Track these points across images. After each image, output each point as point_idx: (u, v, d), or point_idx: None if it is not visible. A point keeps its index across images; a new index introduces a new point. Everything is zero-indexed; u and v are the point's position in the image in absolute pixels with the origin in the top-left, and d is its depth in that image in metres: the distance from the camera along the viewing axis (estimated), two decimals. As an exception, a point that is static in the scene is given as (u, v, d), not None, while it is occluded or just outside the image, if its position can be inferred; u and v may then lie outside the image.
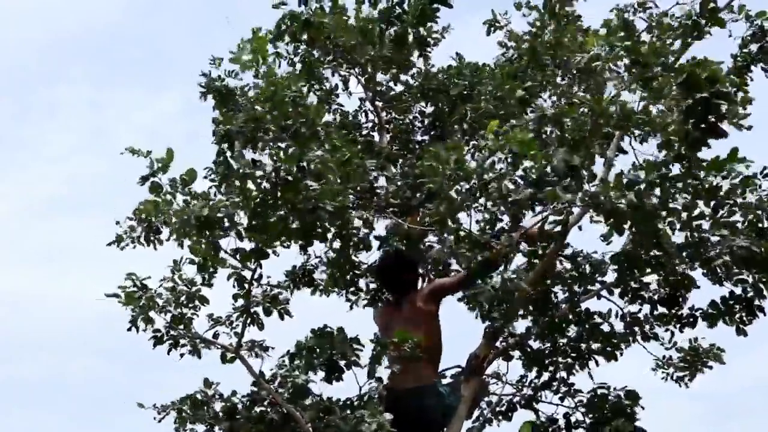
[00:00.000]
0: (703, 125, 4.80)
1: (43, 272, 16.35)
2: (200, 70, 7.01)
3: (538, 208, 5.39)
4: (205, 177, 5.70)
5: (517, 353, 6.27)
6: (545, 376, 6.31)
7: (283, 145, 5.73)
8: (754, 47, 5.88)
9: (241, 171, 5.35)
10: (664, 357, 6.53)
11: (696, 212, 5.08)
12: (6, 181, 17.12)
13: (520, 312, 5.99)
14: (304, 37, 7.00)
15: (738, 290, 5.79)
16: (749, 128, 5.03)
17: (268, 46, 6.03)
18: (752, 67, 5.91)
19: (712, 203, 5.04)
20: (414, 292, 6.14)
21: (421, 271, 6.55)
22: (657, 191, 4.88)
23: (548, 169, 5.09)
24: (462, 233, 5.49)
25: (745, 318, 5.86)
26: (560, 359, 6.23)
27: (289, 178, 5.20)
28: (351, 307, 6.87)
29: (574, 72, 5.86)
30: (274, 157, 5.39)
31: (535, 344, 6.26)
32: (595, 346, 6.22)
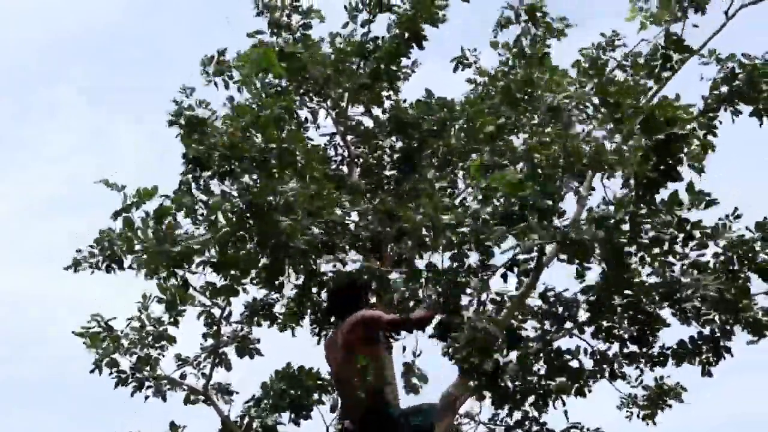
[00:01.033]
0: (661, 167, 4.83)
1: (43, 272, 16.20)
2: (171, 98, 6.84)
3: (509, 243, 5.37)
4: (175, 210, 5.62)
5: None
6: (518, 414, 6.25)
7: (254, 177, 5.69)
8: (724, 89, 5.94)
9: (210, 202, 5.27)
10: (629, 395, 6.53)
11: (666, 247, 5.13)
12: (6, 181, 16.96)
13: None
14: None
15: (706, 331, 5.82)
16: (701, 173, 5.11)
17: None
18: (722, 111, 5.98)
19: (682, 236, 5.09)
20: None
21: (374, 300, 6.46)
22: (626, 227, 4.91)
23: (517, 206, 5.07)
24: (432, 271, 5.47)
25: (711, 359, 5.89)
26: (530, 397, 6.18)
27: (263, 208, 5.12)
28: (318, 342, 6.76)
29: (545, 110, 5.88)
30: (245, 190, 5.33)
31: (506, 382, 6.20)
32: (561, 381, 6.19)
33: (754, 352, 5.81)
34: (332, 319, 6.29)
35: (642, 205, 5.00)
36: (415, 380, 5.27)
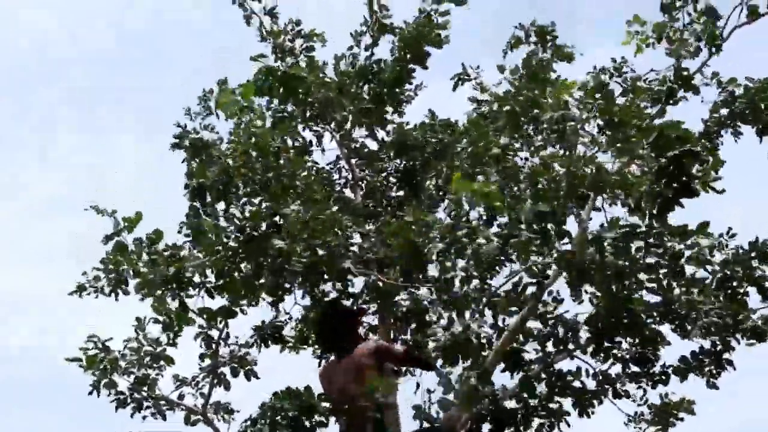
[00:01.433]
0: (674, 185, 4.81)
1: (44, 272, 16.32)
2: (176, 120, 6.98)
3: (510, 268, 5.39)
4: (179, 232, 5.71)
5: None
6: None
7: (256, 201, 5.76)
8: (724, 112, 5.98)
9: (214, 224, 5.32)
10: (635, 413, 6.51)
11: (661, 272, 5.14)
12: (6, 181, 17.14)
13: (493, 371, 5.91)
14: (280, 90, 7.02)
15: (707, 344, 5.83)
16: (722, 191, 5.08)
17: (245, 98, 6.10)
18: (722, 132, 6.02)
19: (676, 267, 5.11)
20: (356, 343, 5.91)
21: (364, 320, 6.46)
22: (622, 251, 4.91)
23: (521, 225, 5.08)
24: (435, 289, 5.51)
25: (714, 371, 5.89)
26: (532, 419, 6.15)
27: (255, 234, 5.17)
28: (319, 364, 6.78)
29: (548, 131, 5.90)
30: (245, 213, 5.38)
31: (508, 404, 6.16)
32: (566, 403, 6.16)
33: (757, 357, 5.87)
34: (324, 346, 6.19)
35: (651, 227, 5.01)
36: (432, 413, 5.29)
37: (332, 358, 6.08)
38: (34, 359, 16.03)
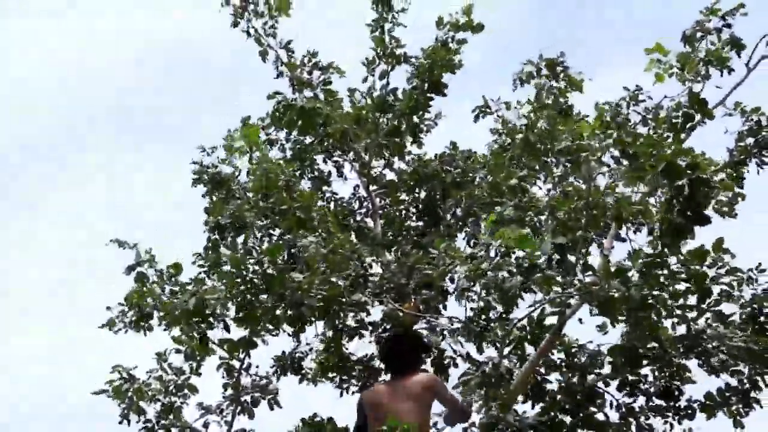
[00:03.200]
0: (686, 212, 4.79)
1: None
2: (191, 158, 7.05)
3: (532, 297, 5.38)
4: (194, 263, 5.75)
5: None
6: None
7: (275, 233, 5.80)
8: (749, 141, 5.98)
9: (236, 257, 5.34)
10: (659, 448, 6.41)
11: (682, 301, 5.11)
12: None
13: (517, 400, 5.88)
14: (298, 124, 7.05)
15: (734, 382, 5.75)
16: (734, 216, 5.05)
17: (261, 133, 6.15)
18: (747, 162, 6.00)
19: (699, 292, 5.08)
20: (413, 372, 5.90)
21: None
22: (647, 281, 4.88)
23: (541, 258, 5.08)
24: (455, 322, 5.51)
25: (741, 410, 5.81)
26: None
27: (271, 272, 5.19)
28: (341, 394, 6.75)
29: (565, 162, 5.91)
30: (263, 246, 5.43)
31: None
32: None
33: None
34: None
35: (665, 254, 4.99)
36: None
37: (377, 383, 6.06)
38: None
